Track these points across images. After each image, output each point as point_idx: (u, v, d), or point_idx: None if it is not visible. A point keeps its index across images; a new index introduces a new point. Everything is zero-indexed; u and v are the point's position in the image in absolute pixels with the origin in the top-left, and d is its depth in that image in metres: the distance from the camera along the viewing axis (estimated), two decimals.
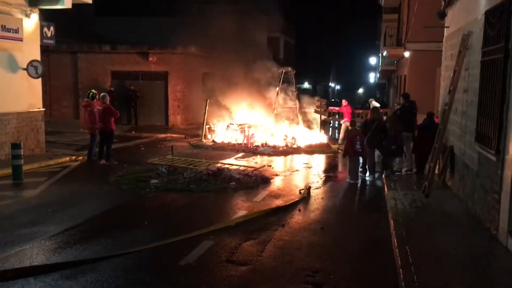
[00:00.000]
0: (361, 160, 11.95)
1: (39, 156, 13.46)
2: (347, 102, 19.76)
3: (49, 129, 16.24)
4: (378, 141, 11.79)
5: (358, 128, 12.14)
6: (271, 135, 18.04)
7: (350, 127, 11.99)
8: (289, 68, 20.78)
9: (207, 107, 18.93)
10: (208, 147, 16.92)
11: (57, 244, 6.80)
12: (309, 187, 10.50)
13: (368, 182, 11.74)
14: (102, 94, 13.45)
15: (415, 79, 19.57)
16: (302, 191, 10.15)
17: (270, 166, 13.46)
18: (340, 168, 13.67)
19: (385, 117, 15.40)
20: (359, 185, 11.45)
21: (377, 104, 15.58)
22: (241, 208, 8.98)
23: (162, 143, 17.91)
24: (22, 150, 10.97)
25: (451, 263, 6.02)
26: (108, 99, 13.30)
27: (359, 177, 11.77)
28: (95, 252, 6.47)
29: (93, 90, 13.64)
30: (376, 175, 12.06)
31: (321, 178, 11.97)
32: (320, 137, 18.10)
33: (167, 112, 23.24)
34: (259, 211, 8.61)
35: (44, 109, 14.39)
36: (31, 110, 13.60)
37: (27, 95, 13.47)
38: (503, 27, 6.61)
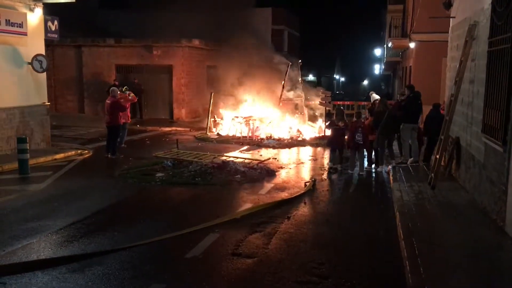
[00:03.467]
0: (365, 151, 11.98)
1: (45, 150, 13.51)
2: None
3: (54, 123, 16.32)
4: (391, 131, 11.81)
5: (363, 120, 12.09)
6: (278, 125, 18.00)
7: (355, 119, 11.96)
8: (298, 60, 20.71)
9: (211, 100, 18.92)
10: (213, 140, 16.92)
11: (64, 238, 6.83)
12: (315, 180, 10.49)
13: (374, 174, 11.71)
14: (111, 88, 13.49)
15: (420, 70, 19.43)
16: (307, 184, 10.15)
17: (275, 158, 13.45)
18: (344, 160, 13.61)
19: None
20: (364, 176, 11.43)
21: (377, 97, 15.50)
22: (246, 201, 8.99)
23: (167, 136, 17.93)
24: (28, 144, 11.00)
25: (457, 255, 6.00)
26: (118, 93, 13.30)
27: (364, 168, 11.76)
28: (101, 246, 6.50)
29: (126, 87, 15.60)
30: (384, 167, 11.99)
31: (326, 171, 11.95)
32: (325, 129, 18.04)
33: (172, 105, 23.23)
34: (264, 204, 8.61)
35: (49, 103, 14.43)
36: (36, 104, 13.63)
37: (32, 89, 13.50)
38: (510, 17, 6.54)
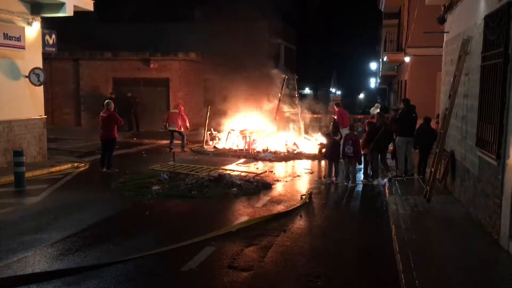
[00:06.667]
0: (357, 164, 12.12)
1: (41, 163, 13.49)
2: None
3: (51, 136, 16.32)
4: (384, 145, 11.93)
5: (356, 133, 12.26)
6: (274, 138, 18.04)
7: (349, 131, 12.09)
8: (295, 74, 20.87)
9: (208, 113, 18.97)
10: (209, 153, 16.94)
11: (60, 251, 6.82)
12: (311, 193, 10.51)
13: (369, 187, 11.76)
14: (106, 101, 13.49)
15: (415, 84, 19.59)
16: (303, 197, 10.16)
17: (272, 171, 13.47)
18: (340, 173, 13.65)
19: None
20: (356, 189, 11.50)
21: (377, 110, 15.65)
22: (242, 214, 9.00)
23: (164, 149, 17.92)
24: (24, 157, 11.00)
25: (452, 268, 6.02)
26: (113, 106, 13.32)
27: (355, 180, 11.86)
28: (97, 259, 6.49)
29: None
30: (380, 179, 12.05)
31: (322, 184, 11.98)
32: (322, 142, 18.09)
33: None
34: (260, 217, 8.62)
35: (46, 116, 14.43)
36: (33, 117, 13.65)
37: (29, 103, 13.53)
38: (502, 32, 6.64)
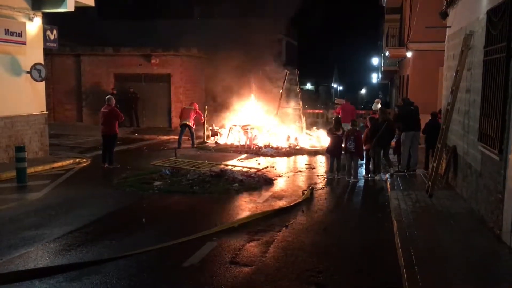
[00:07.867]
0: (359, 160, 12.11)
1: (43, 159, 13.51)
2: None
3: (52, 132, 16.32)
4: (386, 140, 11.91)
5: (358, 129, 12.23)
6: (276, 133, 18.04)
7: (350, 126, 12.08)
8: (296, 69, 20.85)
9: (205, 112, 18.89)
10: (211, 149, 16.94)
11: (61, 247, 6.83)
12: (312, 188, 10.51)
13: (371, 182, 11.75)
14: (107, 96, 13.48)
15: (417, 79, 19.53)
16: (305, 192, 10.16)
17: (273, 167, 13.46)
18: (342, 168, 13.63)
19: None
20: (359, 184, 11.49)
21: (379, 106, 15.63)
22: (244, 209, 9.00)
23: (165, 145, 17.94)
24: (26, 153, 11.01)
25: (454, 263, 6.01)
26: (114, 102, 13.30)
27: (357, 175, 11.88)
28: (99, 254, 6.50)
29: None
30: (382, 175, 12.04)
31: (324, 179, 11.97)
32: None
33: (170, 114, 23.27)
34: (262, 212, 8.62)
35: (47, 112, 14.43)
36: (34, 113, 13.65)
37: (31, 98, 13.52)
38: (505, 26, 6.61)
